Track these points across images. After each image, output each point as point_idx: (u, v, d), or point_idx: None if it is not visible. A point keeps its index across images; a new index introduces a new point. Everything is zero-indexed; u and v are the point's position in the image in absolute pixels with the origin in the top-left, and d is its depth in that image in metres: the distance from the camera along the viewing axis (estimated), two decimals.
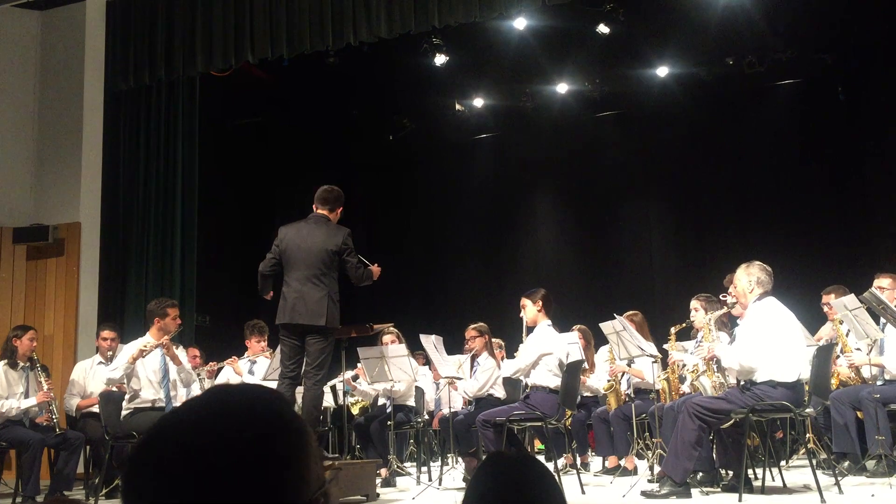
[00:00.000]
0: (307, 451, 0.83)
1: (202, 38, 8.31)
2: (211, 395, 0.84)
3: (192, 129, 8.79)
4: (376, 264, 5.67)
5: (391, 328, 7.15)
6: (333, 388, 8.88)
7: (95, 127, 8.52)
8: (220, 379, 7.47)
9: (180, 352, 6.19)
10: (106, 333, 6.96)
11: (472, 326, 7.12)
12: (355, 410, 8.46)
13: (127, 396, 5.91)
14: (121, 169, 8.64)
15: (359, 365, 7.20)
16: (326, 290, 5.34)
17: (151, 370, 5.92)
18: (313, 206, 5.66)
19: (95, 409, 6.49)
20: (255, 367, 7.38)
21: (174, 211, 8.59)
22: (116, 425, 5.86)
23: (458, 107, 11.75)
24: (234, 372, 7.36)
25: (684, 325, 6.29)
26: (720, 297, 5.47)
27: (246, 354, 7.48)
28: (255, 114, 11.18)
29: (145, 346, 5.81)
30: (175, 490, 0.76)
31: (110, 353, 6.78)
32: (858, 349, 6.24)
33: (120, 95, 8.72)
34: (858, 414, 5.78)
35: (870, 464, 5.60)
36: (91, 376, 6.86)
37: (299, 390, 5.84)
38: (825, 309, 6.53)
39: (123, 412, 5.87)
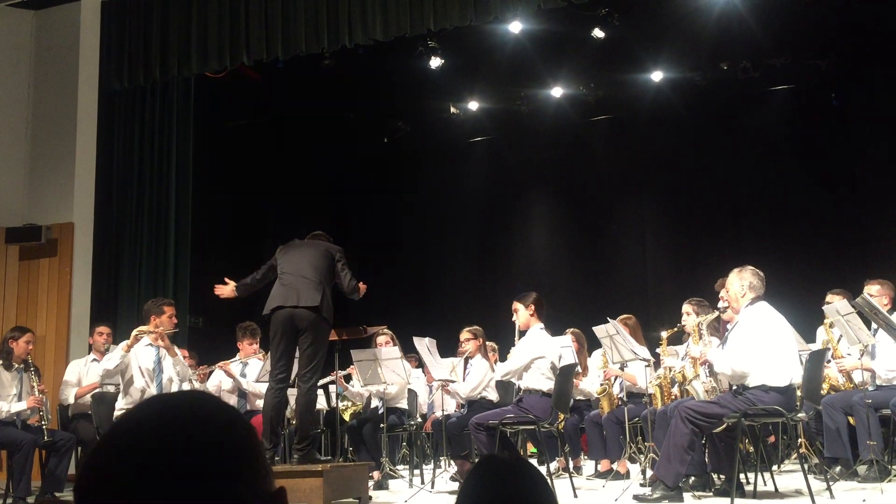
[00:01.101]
0: (255, 461, 0.82)
1: (197, 39, 8.30)
2: (158, 403, 0.84)
3: (187, 131, 8.78)
4: (362, 283, 5.67)
5: (385, 330, 7.15)
6: (326, 390, 8.88)
7: (89, 127, 8.50)
8: (212, 381, 7.46)
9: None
10: (101, 329, 7.00)
11: (467, 329, 7.12)
12: (346, 416, 8.45)
13: (120, 394, 5.89)
14: (114, 169, 8.62)
15: (352, 366, 7.20)
16: (322, 285, 5.36)
17: (146, 365, 5.93)
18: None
19: (89, 410, 6.48)
20: (248, 368, 7.37)
21: (168, 212, 8.57)
22: (109, 425, 5.84)
23: (453, 110, 11.76)
24: (225, 375, 7.35)
25: (676, 329, 6.31)
26: (719, 305, 5.46)
27: (238, 356, 7.46)
28: (249, 115, 11.17)
29: (140, 332, 5.83)
30: (124, 498, 0.75)
31: (105, 347, 6.78)
32: (849, 354, 6.25)
33: (114, 96, 8.70)
34: (850, 419, 5.80)
35: (861, 469, 5.61)
36: (86, 373, 6.86)
37: (291, 392, 5.82)
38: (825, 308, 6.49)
39: (116, 412, 5.86)
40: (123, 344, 5.88)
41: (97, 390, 6.39)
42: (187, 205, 8.70)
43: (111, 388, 6.27)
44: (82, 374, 6.89)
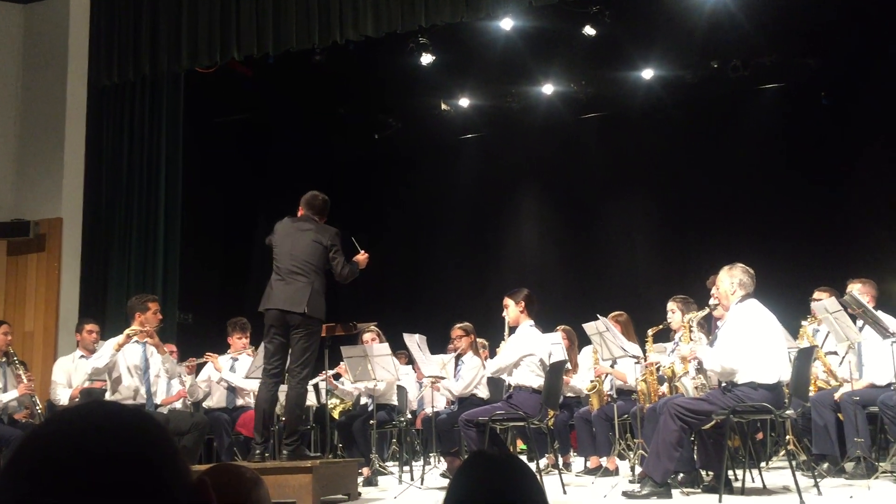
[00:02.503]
0: (174, 457, 0.83)
1: (187, 35, 8.26)
2: (81, 411, 0.84)
3: (176, 126, 8.74)
4: (364, 252, 5.70)
5: (372, 327, 7.15)
6: (316, 387, 8.86)
7: (78, 122, 8.45)
8: (202, 376, 7.45)
9: None
10: (90, 327, 6.95)
11: (458, 326, 7.12)
12: (336, 413, 8.45)
13: (108, 392, 5.87)
14: (103, 165, 8.57)
15: (341, 363, 7.19)
16: (310, 281, 5.38)
17: (133, 362, 5.91)
18: (300, 209, 5.73)
19: None
20: (238, 364, 7.35)
21: (157, 208, 8.53)
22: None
23: (444, 106, 11.76)
24: (213, 368, 7.33)
25: (661, 326, 6.33)
26: (710, 303, 5.47)
27: (228, 352, 7.45)
28: (239, 111, 11.13)
29: (132, 332, 5.82)
30: None
31: (94, 345, 6.75)
32: (835, 353, 6.29)
33: (103, 91, 8.65)
34: (839, 416, 5.83)
35: (849, 466, 5.64)
36: (74, 370, 6.81)
37: (282, 389, 5.82)
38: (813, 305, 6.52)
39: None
40: (114, 342, 5.84)
41: (86, 385, 6.36)
42: (177, 200, 8.66)
43: (101, 384, 6.24)
44: (71, 372, 6.84)
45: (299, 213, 5.73)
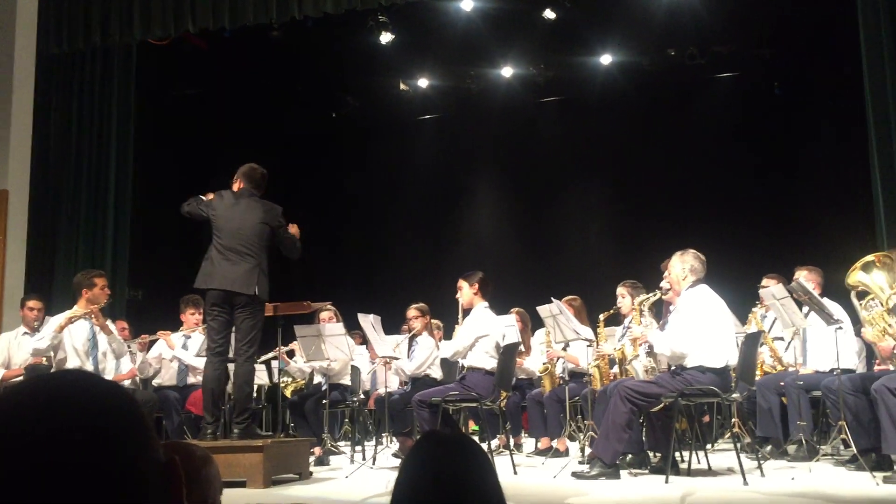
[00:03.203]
0: (144, 433, 0.78)
1: (140, 4, 8.05)
2: (39, 383, 0.78)
3: (128, 98, 8.55)
4: (293, 224, 5.62)
5: (329, 306, 7.11)
6: (268, 365, 8.80)
7: (25, 91, 8.20)
8: (153, 353, 7.34)
9: (110, 325, 6.07)
10: (32, 303, 6.74)
11: (414, 306, 7.12)
12: (288, 392, 8.41)
13: (53, 370, 5.75)
14: (51, 136, 8.35)
15: (295, 342, 7.15)
16: (257, 262, 5.33)
17: (79, 341, 5.79)
18: (236, 181, 5.60)
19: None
20: (190, 342, 7.26)
21: (107, 181, 8.36)
22: None
23: (402, 86, 11.69)
24: (166, 345, 7.23)
25: (612, 311, 6.40)
26: (661, 285, 5.54)
27: (181, 329, 7.35)
28: (194, 85, 10.92)
29: (74, 315, 5.69)
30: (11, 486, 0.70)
31: (36, 323, 6.58)
32: (781, 338, 6.44)
33: (52, 60, 8.41)
34: (783, 400, 5.98)
35: (791, 448, 5.80)
36: (16, 347, 6.64)
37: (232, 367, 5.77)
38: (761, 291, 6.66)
39: None
40: (56, 323, 5.71)
41: (30, 362, 6.22)
42: (128, 175, 8.49)
43: (44, 360, 6.12)
44: (12, 349, 6.66)
45: (236, 186, 5.59)
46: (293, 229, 5.64)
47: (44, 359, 5.97)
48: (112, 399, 0.78)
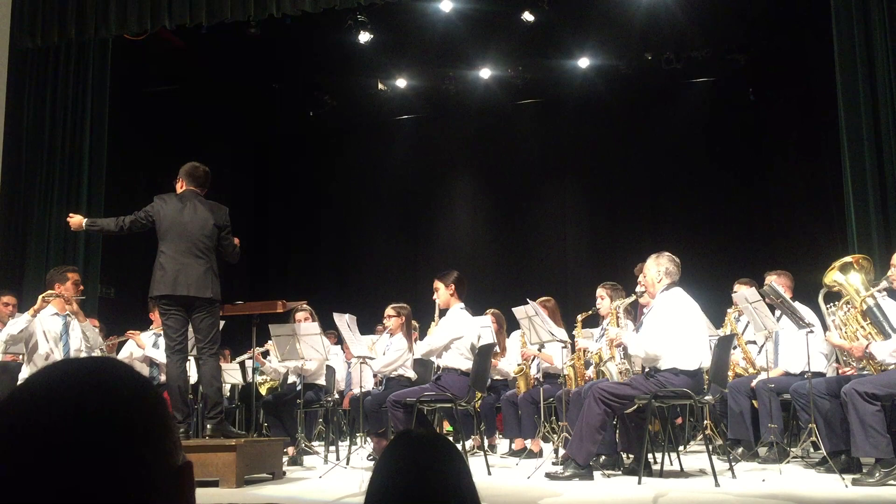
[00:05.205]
0: (163, 433, 0.77)
1: None
2: (59, 371, 0.77)
3: (103, 94, 8.45)
4: (236, 238, 5.57)
5: (304, 306, 7.08)
6: (242, 365, 8.75)
7: None
8: (123, 353, 7.26)
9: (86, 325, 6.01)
10: (6, 299, 6.67)
11: (392, 306, 7.10)
12: (263, 390, 8.36)
13: (24, 363, 5.69)
14: (24, 131, 8.24)
15: (269, 342, 7.11)
16: (209, 264, 5.27)
17: (52, 335, 5.75)
18: (179, 181, 5.50)
19: None
20: (161, 340, 7.18)
21: (80, 178, 8.26)
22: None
23: (380, 86, 11.66)
24: (136, 345, 7.16)
25: (591, 312, 6.43)
26: (636, 290, 5.58)
27: (151, 328, 7.28)
28: (170, 81, 10.82)
29: (47, 295, 5.65)
30: (20, 473, 0.70)
31: (10, 319, 6.50)
32: (754, 342, 6.50)
33: (26, 54, 8.30)
34: (754, 403, 6.04)
35: (762, 450, 5.86)
36: None
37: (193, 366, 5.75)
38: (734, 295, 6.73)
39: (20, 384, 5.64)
40: (31, 309, 5.69)
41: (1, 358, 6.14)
42: (101, 171, 8.39)
43: (16, 357, 6.04)
44: None
45: (179, 187, 5.48)
46: (236, 241, 5.56)
47: (20, 356, 5.90)
48: (141, 396, 0.78)
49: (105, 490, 0.71)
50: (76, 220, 5.48)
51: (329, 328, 7.57)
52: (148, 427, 0.76)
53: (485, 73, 11.26)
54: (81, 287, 6.00)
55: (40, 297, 5.72)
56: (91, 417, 0.73)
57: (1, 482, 0.70)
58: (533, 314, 6.42)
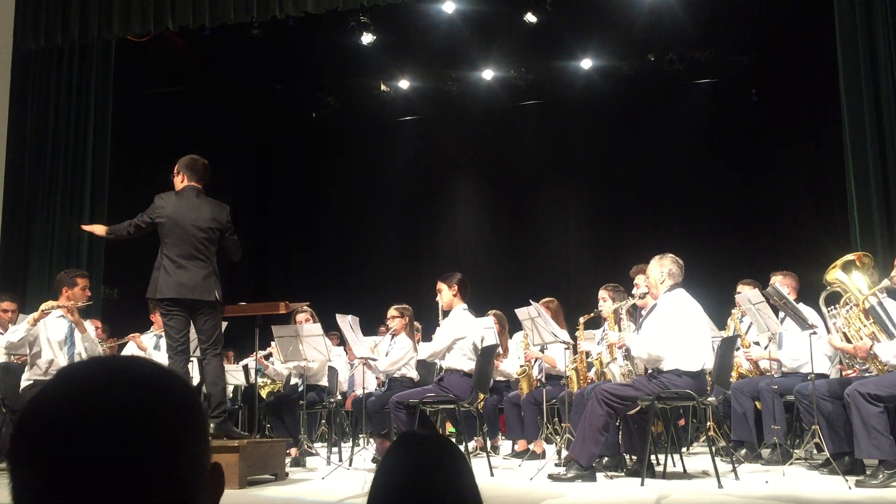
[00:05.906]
0: (197, 431, 0.78)
1: (120, 0, 7.98)
2: (92, 367, 0.77)
3: (106, 95, 8.46)
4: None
5: (305, 307, 7.08)
6: (245, 367, 8.75)
7: (1, 88, 8.09)
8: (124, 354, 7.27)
9: (88, 325, 6.01)
10: (6, 305, 6.65)
11: (395, 307, 7.09)
12: (264, 393, 8.36)
13: (27, 366, 5.69)
14: (27, 133, 8.25)
15: (272, 343, 7.11)
16: (211, 267, 5.23)
17: (57, 339, 5.73)
18: (178, 175, 5.44)
19: None
20: (162, 341, 7.18)
21: (83, 180, 8.26)
22: (15, 397, 5.65)
23: (383, 87, 11.67)
24: (137, 347, 7.16)
25: (592, 314, 6.42)
26: (633, 292, 5.58)
27: (152, 329, 7.29)
28: (173, 82, 10.83)
29: (48, 307, 5.63)
30: (60, 470, 0.69)
31: (11, 325, 6.49)
32: (757, 343, 6.49)
33: (29, 56, 8.31)
34: (757, 404, 6.03)
35: (765, 452, 5.85)
36: None
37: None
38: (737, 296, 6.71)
39: (24, 384, 5.65)
40: (31, 317, 5.67)
41: (1, 361, 6.14)
42: (104, 173, 8.40)
43: (19, 358, 6.04)
44: None
45: (179, 181, 5.40)
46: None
47: (15, 359, 5.90)
48: (181, 398, 0.78)
49: (145, 492, 0.71)
50: (100, 229, 5.51)
51: (332, 329, 7.57)
52: (182, 424, 0.76)
53: (487, 74, 11.26)
54: (89, 293, 5.99)
55: (41, 307, 5.68)
56: (124, 414, 0.73)
57: (39, 484, 0.70)
58: (535, 315, 6.41)
